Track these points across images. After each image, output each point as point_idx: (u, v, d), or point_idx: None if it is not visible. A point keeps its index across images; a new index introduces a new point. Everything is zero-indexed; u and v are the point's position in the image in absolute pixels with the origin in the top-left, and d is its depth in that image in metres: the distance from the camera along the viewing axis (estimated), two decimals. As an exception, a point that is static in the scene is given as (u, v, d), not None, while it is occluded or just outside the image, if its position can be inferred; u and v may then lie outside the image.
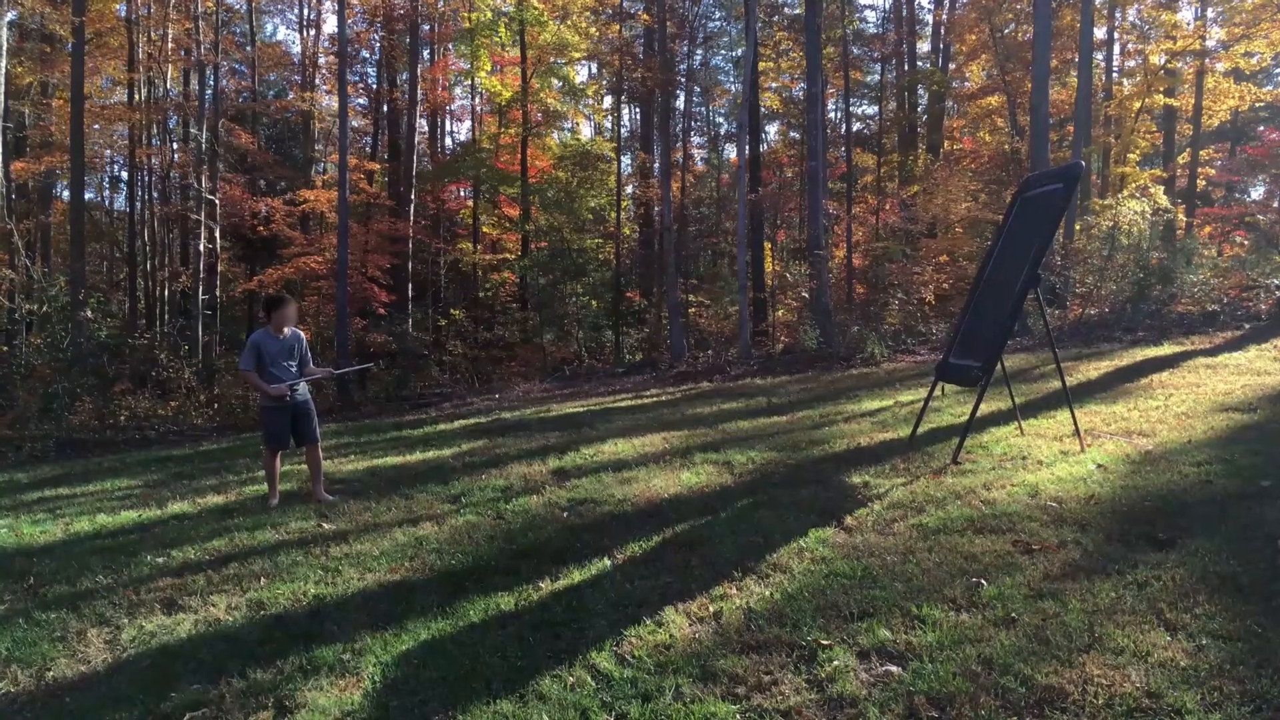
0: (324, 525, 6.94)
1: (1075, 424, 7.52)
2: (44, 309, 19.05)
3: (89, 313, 18.60)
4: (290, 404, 7.75)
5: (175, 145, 28.16)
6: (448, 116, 37.55)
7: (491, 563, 5.64)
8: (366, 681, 4.07)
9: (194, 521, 7.51)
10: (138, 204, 27.32)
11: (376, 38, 30.50)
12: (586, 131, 39.20)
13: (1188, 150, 27.88)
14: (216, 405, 18.52)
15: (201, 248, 25.56)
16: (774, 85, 36.74)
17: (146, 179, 27.66)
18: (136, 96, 25.78)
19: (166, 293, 27.98)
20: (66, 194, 26.96)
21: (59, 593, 5.69)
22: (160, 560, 6.25)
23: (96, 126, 26.20)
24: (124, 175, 31.20)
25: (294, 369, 7.77)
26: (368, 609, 4.97)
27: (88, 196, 29.88)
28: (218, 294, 26.71)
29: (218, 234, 26.17)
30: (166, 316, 26.92)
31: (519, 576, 5.28)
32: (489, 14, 27.17)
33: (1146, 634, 3.84)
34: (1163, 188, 21.33)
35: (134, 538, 7.05)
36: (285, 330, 7.75)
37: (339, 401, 19.03)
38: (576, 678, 3.91)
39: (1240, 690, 3.34)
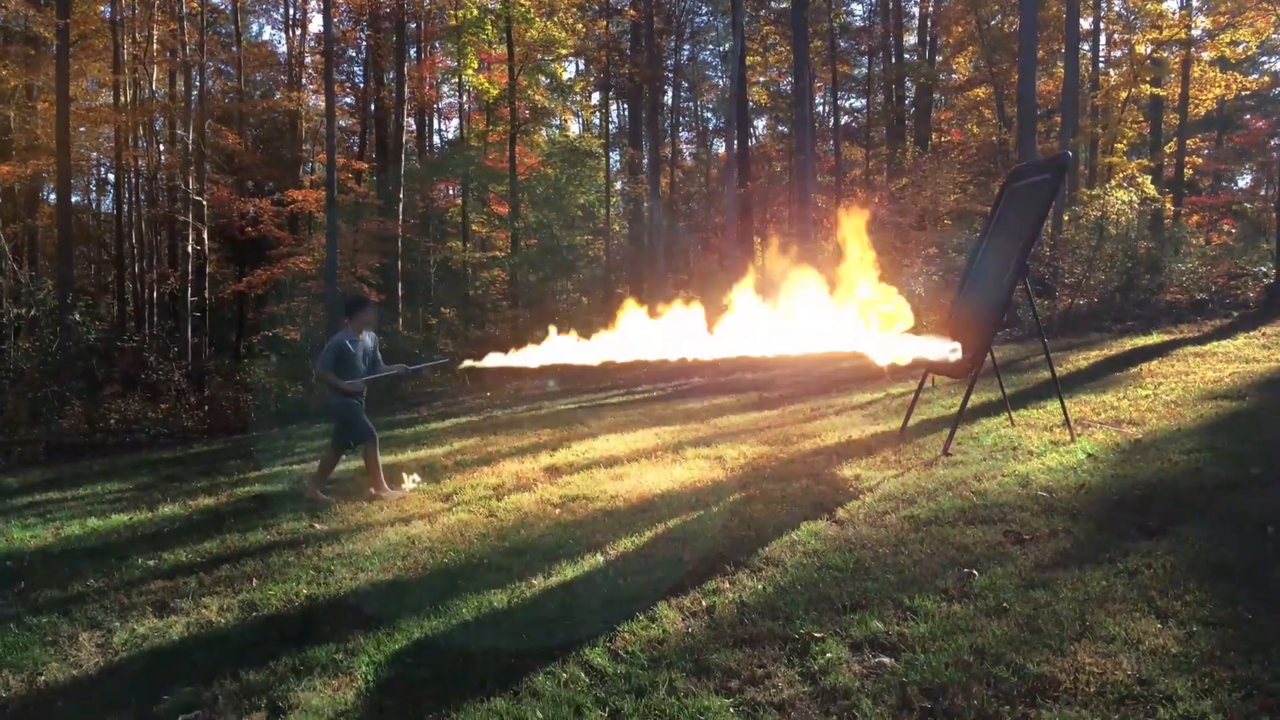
0: (316, 526, 6.93)
1: (1065, 414, 7.54)
2: (32, 313, 18.98)
3: (77, 316, 18.50)
4: (361, 400, 7.81)
5: (162, 147, 28.00)
6: (435, 115, 37.45)
7: (484, 560, 5.64)
8: (360, 681, 4.06)
9: (185, 524, 7.49)
10: (125, 206, 27.14)
11: (363, 36, 30.39)
12: (575, 128, 39.12)
13: (1174, 139, 27.91)
14: (207, 407, 18.45)
15: (190, 249, 25.46)
16: (762, 79, 36.76)
17: (133, 181, 27.47)
18: (122, 98, 25.62)
19: (155, 295, 27.83)
20: (53, 197, 26.73)
21: (50, 597, 5.67)
22: (151, 563, 6.24)
23: (82, 129, 25.99)
24: (111, 177, 30.99)
25: (365, 369, 7.76)
26: (360, 609, 4.97)
27: (74, 199, 29.65)
28: (206, 295, 26.63)
29: (206, 235, 26.08)
30: (155, 319, 26.76)
31: (511, 574, 5.28)
32: (475, 11, 27.06)
33: (1138, 622, 3.86)
34: (1150, 177, 21.40)
35: (125, 540, 7.03)
36: (364, 332, 7.77)
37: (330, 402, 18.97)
38: (570, 674, 3.91)
39: (1231, 676, 3.36)
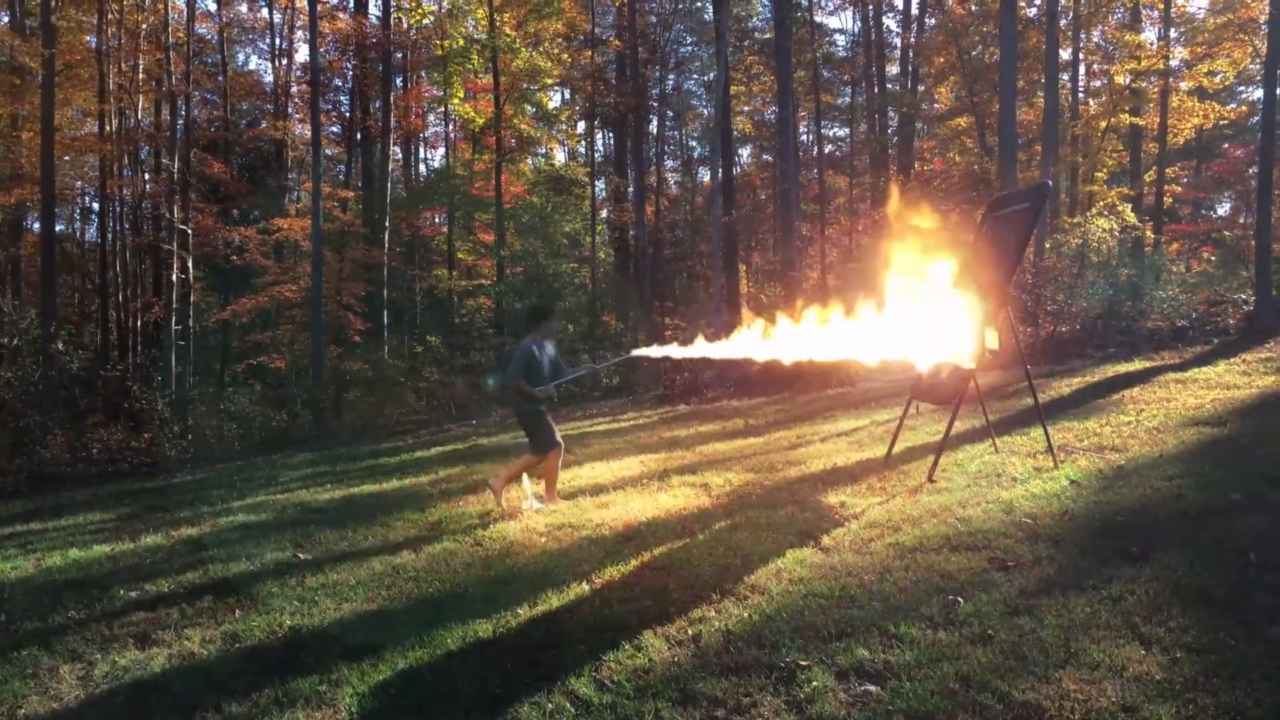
0: (299, 555, 6.88)
1: (1048, 440, 7.57)
2: (15, 342, 18.88)
3: (60, 345, 18.42)
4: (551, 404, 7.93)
5: (147, 176, 27.98)
6: (421, 143, 37.66)
7: (469, 589, 5.61)
8: (343, 713, 4.03)
9: (168, 554, 7.43)
10: (109, 235, 27.10)
11: (349, 66, 30.54)
12: (560, 157, 39.37)
13: (1154, 168, 28.21)
14: (190, 437, 18.34)
15: (174, 278, 25.41)
16: (746, 109, 37.09)
17: (118, 210, 27.43)
18: (107, 127, 25.62)
19: (139, 324, 27.73)
20: (37, 226, 26.65)
21: (30, 629, 5.61)
22: (133, 594, 6.17)
23: (67, 158, 25.98)
24: (95, 206, 30.98)
25: (549, 375, 7.82)
26: (344, 639, 4.93)
27: (59, 228, 29.63)
28: (191, 324, 26.55)
29: (190, 264, 26.04)
30: (139, 347, 26.66)
31: (497, 603, 5.25)
32: (461, 41, 27.30)
33: (1121, 648, 3.87)
34: (1130, 205, 21.59)
35: (107, 571, 6.96)
36: (547, 340, 7.87)
37: (315, 430, 18.90)
38: (556, 704, 3.89)
39: (1215, 703, 3.37)
